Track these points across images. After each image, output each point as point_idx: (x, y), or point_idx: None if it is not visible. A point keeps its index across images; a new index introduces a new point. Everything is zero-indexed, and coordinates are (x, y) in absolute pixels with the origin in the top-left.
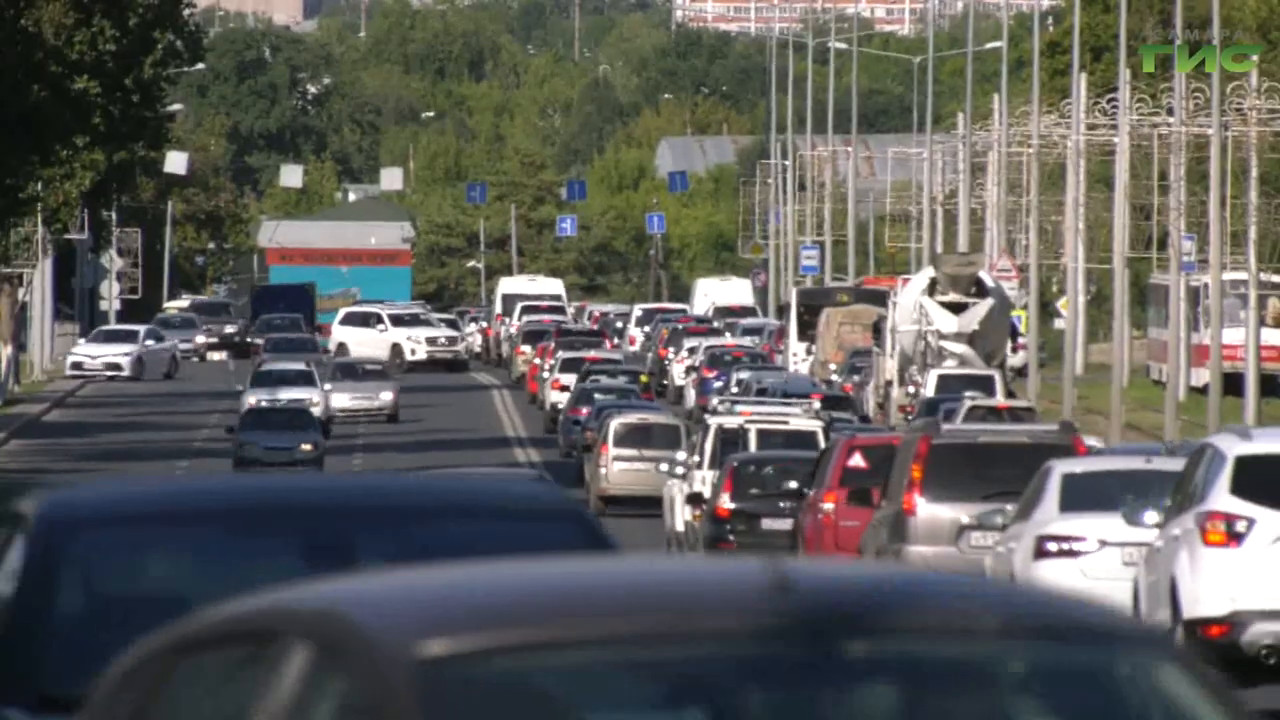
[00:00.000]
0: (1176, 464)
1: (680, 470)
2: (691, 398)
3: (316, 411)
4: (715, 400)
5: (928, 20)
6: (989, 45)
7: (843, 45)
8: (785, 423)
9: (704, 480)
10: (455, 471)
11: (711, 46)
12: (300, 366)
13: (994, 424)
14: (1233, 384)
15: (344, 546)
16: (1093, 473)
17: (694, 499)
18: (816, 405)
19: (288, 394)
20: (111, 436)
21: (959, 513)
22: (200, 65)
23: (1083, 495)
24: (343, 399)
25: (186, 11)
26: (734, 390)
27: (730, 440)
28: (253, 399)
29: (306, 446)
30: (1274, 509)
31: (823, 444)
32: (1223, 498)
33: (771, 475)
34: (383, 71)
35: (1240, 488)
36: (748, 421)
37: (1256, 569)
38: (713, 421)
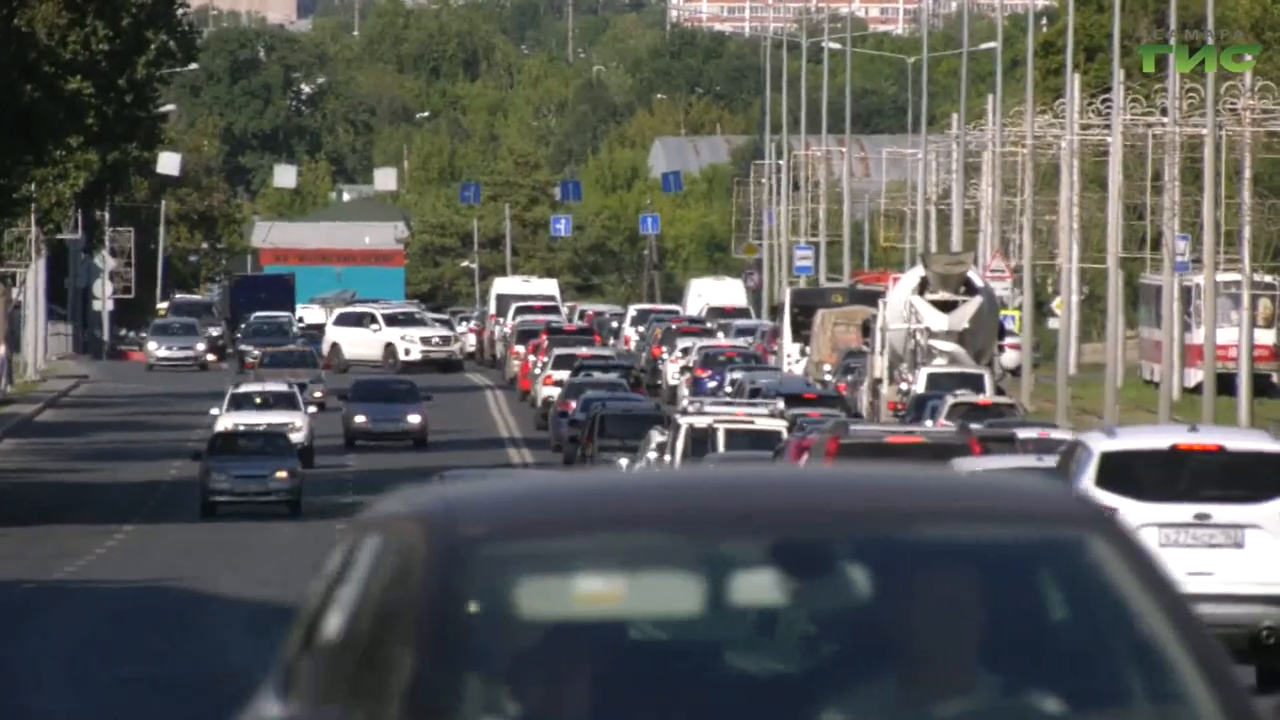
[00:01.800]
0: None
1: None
2: (690, 398)
3: (298, 437)
4: (685, 401)
5: (922, 20)
6: (983, 45)
7: (836, 45)
8: (751, 423)
9: None
10: (965, 468)
11: (705, 46)
12: (281, 388)
13: (977, 421)
14: (1224, 384)
15: (823, 555)
16: (990, 471)
17: None
18: (780, 406)
19: (266, 419)
20: (106, 436)
21: None
22: (194, 65)
23: None
24: (364, 421)
25: (180, 11)
26: (727, 391)
27: (700, 440)
28: (229, 423)
29: (281, 475)
30: (1134, 499)
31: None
32: (1088, 489)
33: None
34: (377, 71)
35: (1104, 480)
36: (716, 421)
37: None
38: (683, 421)
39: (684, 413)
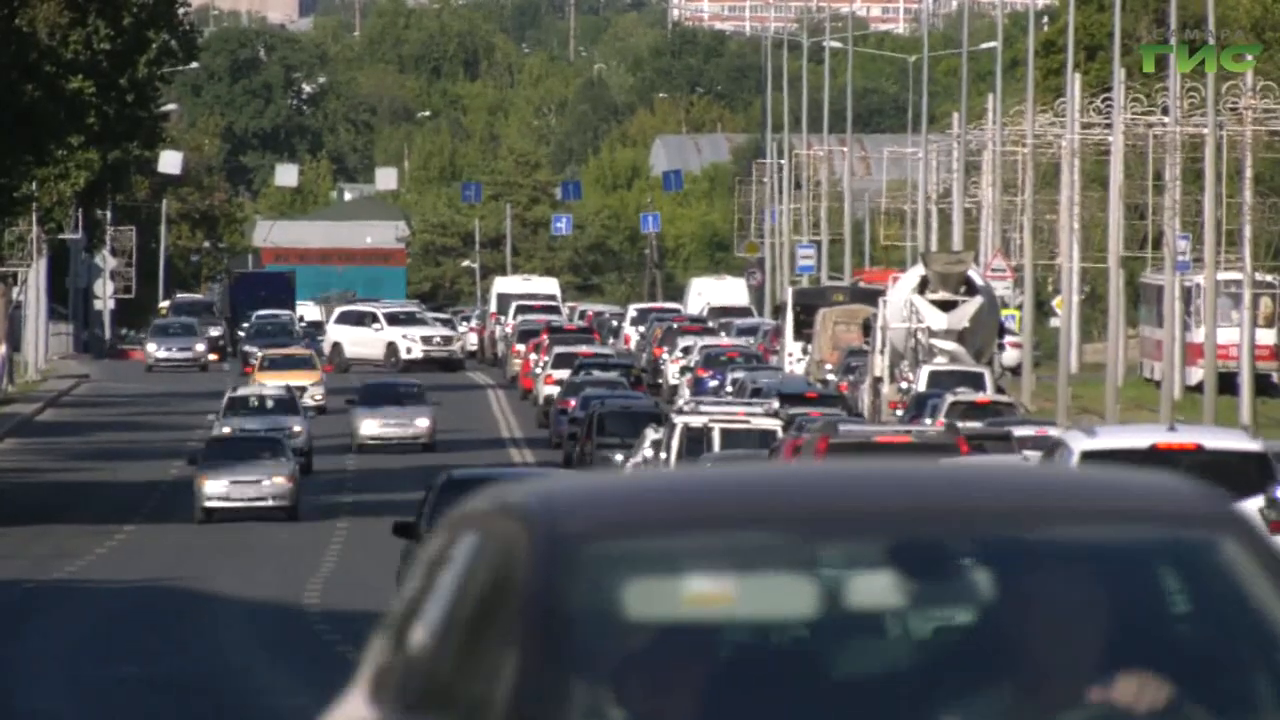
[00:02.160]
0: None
1: (631, 463)
2: (697, 397)
3: (297, 442)
4: (680, 400)
5: (922, 19)
6: (984, 45)
7: (838, 44)
8: (747, 422)
9: None
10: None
11: (706, 46)
12: (279, 393)
13: (976, 419)
14: (1224, 383)
15: (943, 556)
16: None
17: None
18: (775, 405)
19: (263, 423)
20: (106, 436)
21: None
22: (195, 64)
23: None
24: (372, 425)
25: (181, 11)
26: (729, 391)
27: (695, 439)
28: (227, 429)
29: (278, 480)
30: None
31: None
32: None
33: None
34: (377, 71)
35: None
36: (711, 420)
37: None
38: (679, 421)
39: (679, 412)
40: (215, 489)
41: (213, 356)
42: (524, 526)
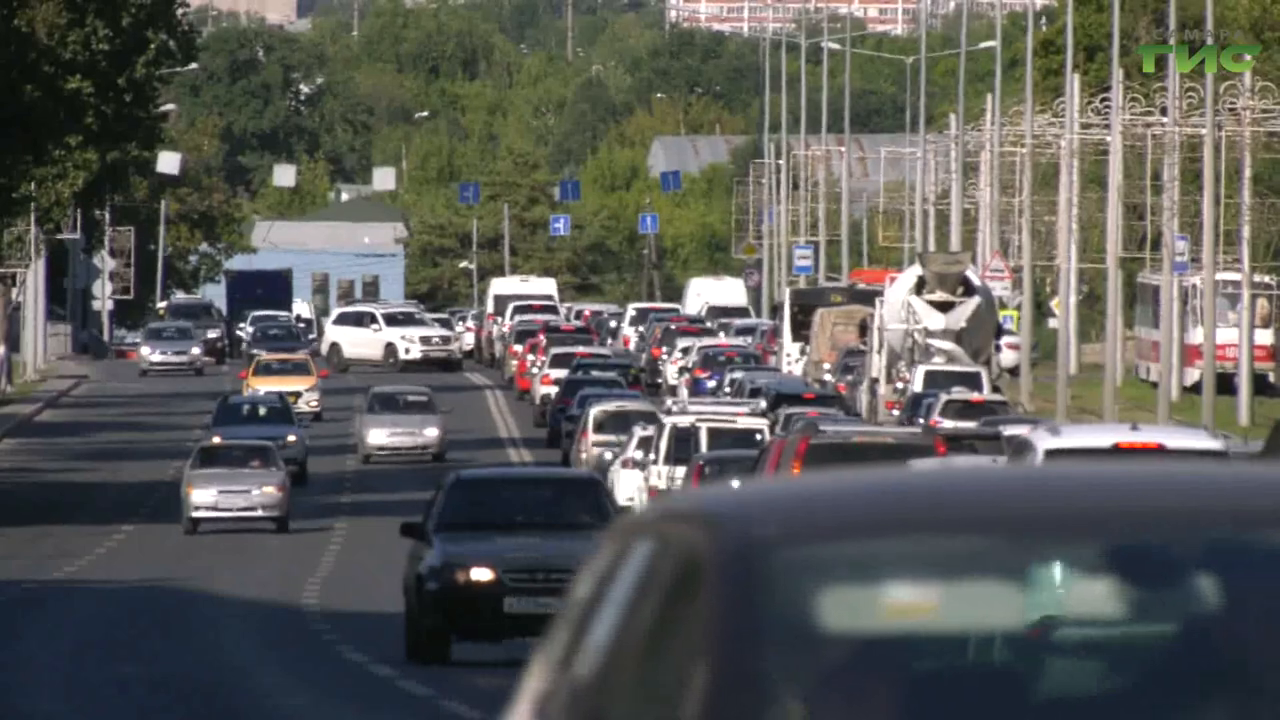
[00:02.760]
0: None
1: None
2: (684, 398)
3: (291, 452)
4: (669, 401)
5: (920, 20)
6: (982, 45)
7: (835, 45)
8: (733, 422)
9: (660, 475)
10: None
11: (705, 46)
12: (274, 402)
13: (971, 419)
14: (1221, 383)
15: (1168, 562)
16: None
17: (656, 494)
18: (761, 405)
19: (255, 433)
20: (105, 436)
21: None
22: (193, 65)
23: None
24: (380, 434)
25: (179, 11)
26: (726, 391)
27: (683, 438)
28: (217, 439)
29: (269, 489)
30: None
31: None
32: None
33: (732, 471)
34: (375, 71)
35: None
36: (699, 420)
37: None
38: (667, 420)
39: (668, 412)
40: (203, 498)
41: (209, 359)
42: (708, 532)
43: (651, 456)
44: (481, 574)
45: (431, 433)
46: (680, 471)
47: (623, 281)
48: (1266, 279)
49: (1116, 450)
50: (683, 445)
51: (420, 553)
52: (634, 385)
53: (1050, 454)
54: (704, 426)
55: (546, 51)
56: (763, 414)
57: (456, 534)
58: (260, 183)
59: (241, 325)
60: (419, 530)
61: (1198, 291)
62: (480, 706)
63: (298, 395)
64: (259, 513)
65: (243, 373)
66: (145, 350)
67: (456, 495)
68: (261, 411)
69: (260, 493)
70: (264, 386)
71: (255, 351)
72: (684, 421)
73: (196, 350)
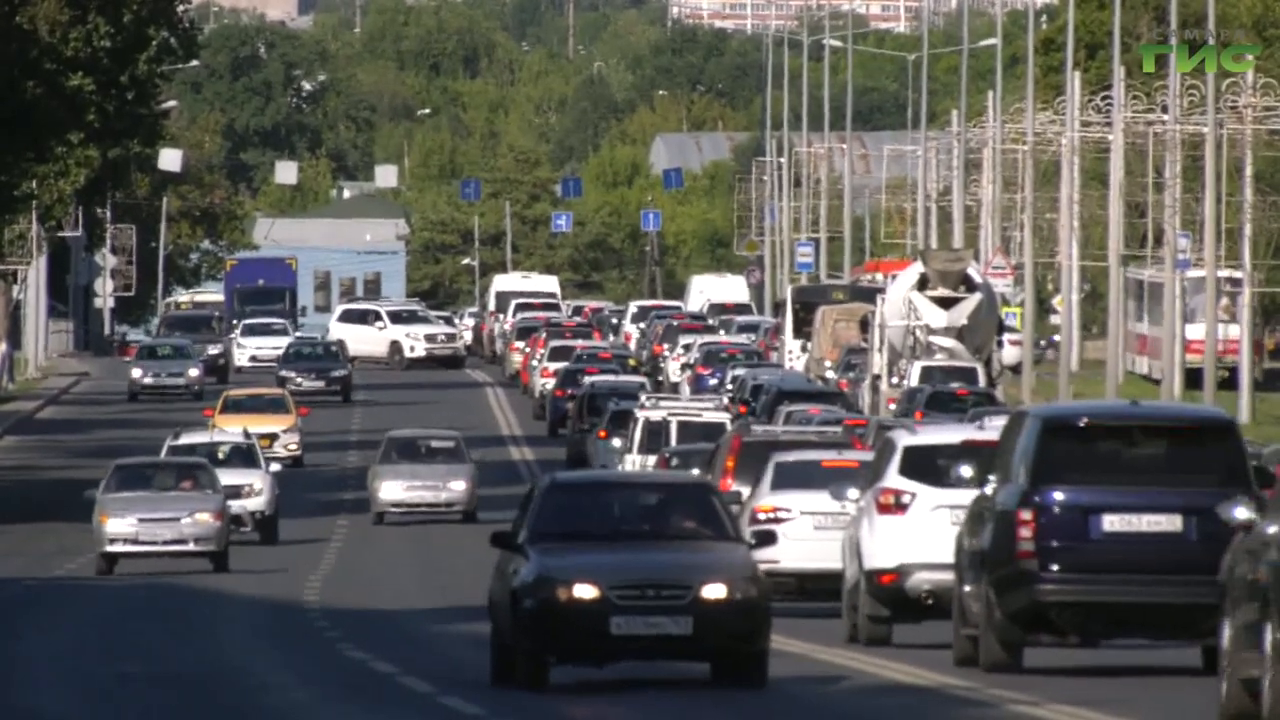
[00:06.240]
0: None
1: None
2: (686, 394)
3: (256, 503)
4: (643, 396)
5: (922, 17)
6: (984, 42)
7: (838, 42)
8: (700, 415)
9: (634, 465)
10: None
11: (707, 43)
12: (237, 440)
13: (956, 412)
14: (1192, 379)
15: None
16: (850, 458)
17: None
18: (725, 400)
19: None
20: (106, 433)
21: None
22: (195, 62)
23: (792, 477)
24: (395, 488)
25: (181, 8)
26: (728, 388)
27: (655, 431)
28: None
29: (204, 516)
30: (931, 486)
31: None
32: (893, 477)
33: (694, 463)
34: (377, 68)
35: (907, 470)
36: (670, 414)
37: (918, 531)
38: (640, 414)
39: (641, 406)
40: (119, 528)
41: (210, 379)
42: None
43: (627, 445)
44: (585, 591)
45: (459, 486)
46: (651, 460)
47: (624, 279)
48: (1236, 274)
49: (965, 447)
50: (655, 438)
51: (512, 565)
52: (635, 373)
53: (909, 450)
54: (674, 420)
55: (548, 48)
56: (725, 408)
57: (554, 545)
58: (262, 180)
59: (242, 342)
60: (510, 540)
61: (1188, 288)
62: (484, 705)
63: (272, 438)
64: (190, 545)
65: (208, 409)
66: (136, 373)
67: (552, 501)
68: (220, 455)
69: (194, 520)
70: (231, 427)
71: (284, 374)
72: (656, 415)
73: (194, 372)
